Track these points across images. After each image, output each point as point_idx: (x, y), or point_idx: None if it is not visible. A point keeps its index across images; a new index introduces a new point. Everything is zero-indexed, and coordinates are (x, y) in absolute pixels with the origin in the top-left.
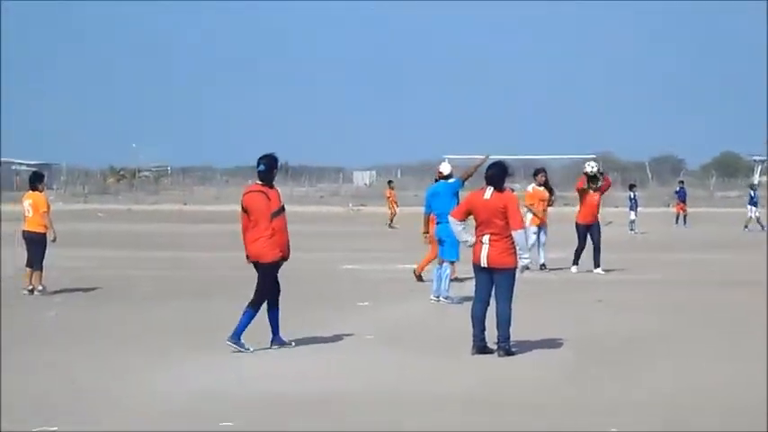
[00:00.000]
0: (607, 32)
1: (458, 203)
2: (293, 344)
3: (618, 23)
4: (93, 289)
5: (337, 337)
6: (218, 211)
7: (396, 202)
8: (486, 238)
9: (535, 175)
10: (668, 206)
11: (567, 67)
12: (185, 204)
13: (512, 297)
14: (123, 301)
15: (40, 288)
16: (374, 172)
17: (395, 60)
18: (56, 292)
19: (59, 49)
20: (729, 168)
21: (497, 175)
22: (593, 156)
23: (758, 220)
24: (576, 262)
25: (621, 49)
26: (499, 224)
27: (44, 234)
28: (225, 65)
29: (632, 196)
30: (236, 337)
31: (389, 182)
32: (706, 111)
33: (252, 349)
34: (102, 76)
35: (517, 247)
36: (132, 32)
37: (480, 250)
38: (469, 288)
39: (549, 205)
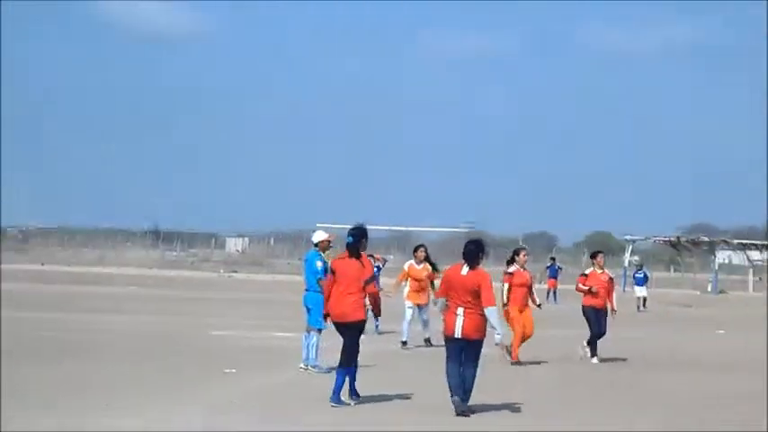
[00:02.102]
0: (482, 106)
1: (323, 273)
2: (352, 404)
3: (491, 98)
4: None
5: (203, 402)
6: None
7: None
8: (461, 311)
9: (415, 251)
10: (540, 282)
11: (443, 138)
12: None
13: (478, 363)
14: None
15: None
16: (246, 239)
17: (272, 129)
18: None
19: None
20: (601, 247)
21: (473, 252)
22: (467, 229)
23: (644, 301)
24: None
25: (497, 126)
26: (471, 300)
27: None
28: (102, 121)
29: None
30: (336, 396)
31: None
32: (579, 190)
33: (353, 404)
34: None
35: (490, 323)
36: None
37: (454, 322)
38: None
39: (432, 280)
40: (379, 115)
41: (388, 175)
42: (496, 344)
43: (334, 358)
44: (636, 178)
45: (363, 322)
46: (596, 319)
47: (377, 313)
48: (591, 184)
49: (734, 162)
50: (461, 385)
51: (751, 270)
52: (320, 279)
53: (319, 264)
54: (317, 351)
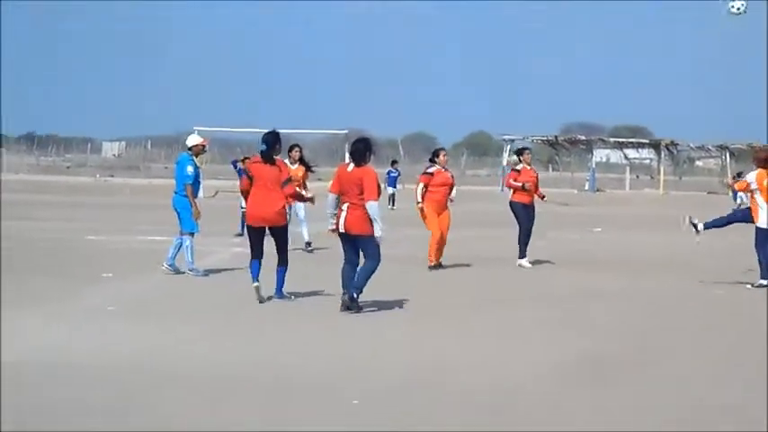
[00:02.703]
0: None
1: (191, 179)
2: (293, 297)
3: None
4: None
5: (78, 308)
6: None
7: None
8: (345, 206)
9: (289, 151)
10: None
11: (318, 42)
12: None
13: (378, 255)
14: None
15: None
16: (123, 143)
17: (149, 34)
18: None
19: None
20: (480, 147)
21: (360, 149)
22: (346, 131)
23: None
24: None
25: (375, 31)
26: (356, 195)
27: None
28: None
29: (392, 172)
30: (280, 292)
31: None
32: (460, 90)
33: (293, 298)
34: None
35: (372, 217)
36: None
37: (340, 216)
38: (222, 261)
39: (304, 180)
40: (262, 25)
41: (267, 80)
42: (377, 236)
43: (212, 262)
44: (517, 77)
45: (286, 225)
46: (525, 215)
47: (306, 200)
48: (472, 84)
49: (616, 65)
50: (351, 281)
51: (628, 168)
52: (187, 184)
53: (190, 169)
54: (192, 254)
